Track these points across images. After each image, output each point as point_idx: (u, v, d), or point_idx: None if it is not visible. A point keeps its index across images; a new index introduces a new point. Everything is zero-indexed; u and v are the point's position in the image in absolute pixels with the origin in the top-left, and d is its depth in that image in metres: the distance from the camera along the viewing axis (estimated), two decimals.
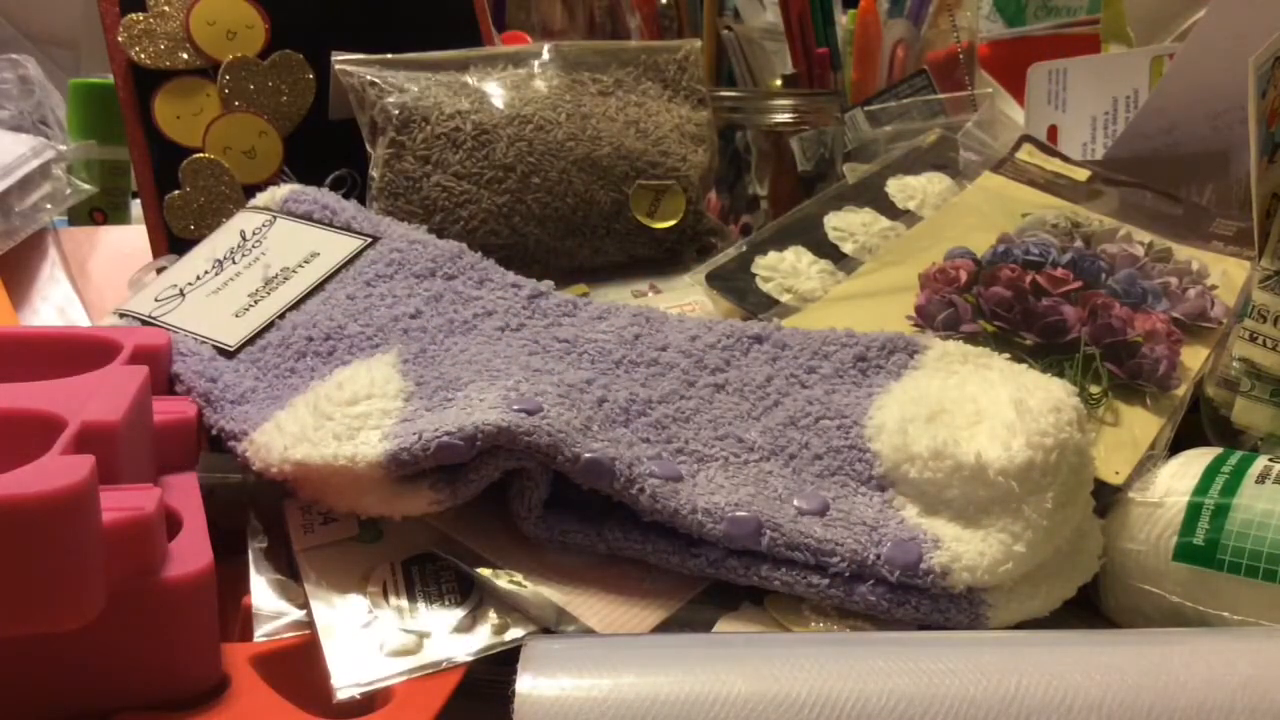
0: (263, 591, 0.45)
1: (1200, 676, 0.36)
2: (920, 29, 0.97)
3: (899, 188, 0.70)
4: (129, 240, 0.80)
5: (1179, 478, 0.47)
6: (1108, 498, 0.49)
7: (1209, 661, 0.36)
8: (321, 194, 0.62)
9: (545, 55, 0.71)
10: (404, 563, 0.46)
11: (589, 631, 0.42)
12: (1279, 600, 0.43)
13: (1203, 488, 0.46)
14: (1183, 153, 0.75)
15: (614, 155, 0.69)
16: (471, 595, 0.44)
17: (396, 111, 0.66)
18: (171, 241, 0.69)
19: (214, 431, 0.50)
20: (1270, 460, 0.47)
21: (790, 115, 0.82)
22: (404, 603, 0.44)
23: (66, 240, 0.78)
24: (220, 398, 0.51)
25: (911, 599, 0.43)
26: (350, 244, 0.58)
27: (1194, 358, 0.57)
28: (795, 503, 0.45)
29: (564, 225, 0.68)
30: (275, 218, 0.61)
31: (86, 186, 0.81)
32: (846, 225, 0.66)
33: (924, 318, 0.57)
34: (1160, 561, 0.46)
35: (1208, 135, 0.74)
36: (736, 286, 0.61)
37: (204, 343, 0.54)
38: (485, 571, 0.44)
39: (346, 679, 0.40)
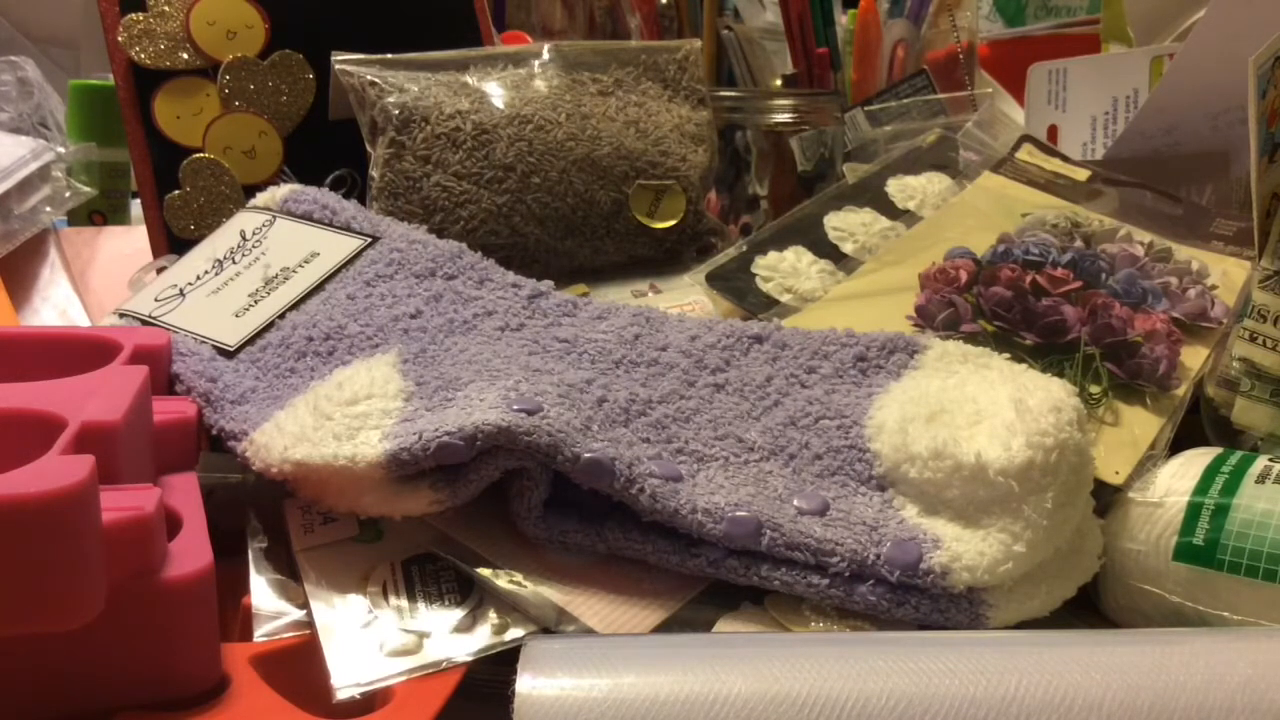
0: (263, 591, 0.45)
1: (1200, 676, 0.36)
2: (920, 29, 0.97)
3: (899, 188, 0.70)
4: (129, 240, 0.80)
5: (1179, 478, 0.47)
6: (1108, 498, 0.49)
7: (1209, 661, 0.36)
8: (321, 194, 0.62)
9: (545, 55, 0.71)
10: (404, 563, 0.46)
11: (589, 631, 0.42)
12: (1279, 600, 0.43)
13: (1203, 488, 0.46)
14: (1183, 153, 0.75)
15: (614, 155, 0.69)
16: (471, 595, 0.44)
17: (396, 111, 0.66)
18: (171, 241, 0.69)
19: (214, 431, 0.50)
20: (1270, 460, 0.47)
21: (790, 115, 0.82)
22: (404, 603, 0.44)
23: (67, 241, 0.78)
24: (220, 398, 0.51)
25: (911, 599, 0.43)
26: (350, 244, 0.58)
27: (1194, 358, 0.57)
28: (795, 503, 0.45)
29: (564, 225, 0.68)
30: (275, 218, 0.61)
31: (86, 189, 0.80)
32: (846, 225, 0.66)
33: (924, 318, 0.57)
34: (1160, 561, 0.46)
35: (1208, 135, 0.74)
36: (736, 286, 0.61)
37: (204, 343, 0.54)
38: (485, 571, 0.44)
39: (346, 679, 0.40)
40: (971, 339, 0.55)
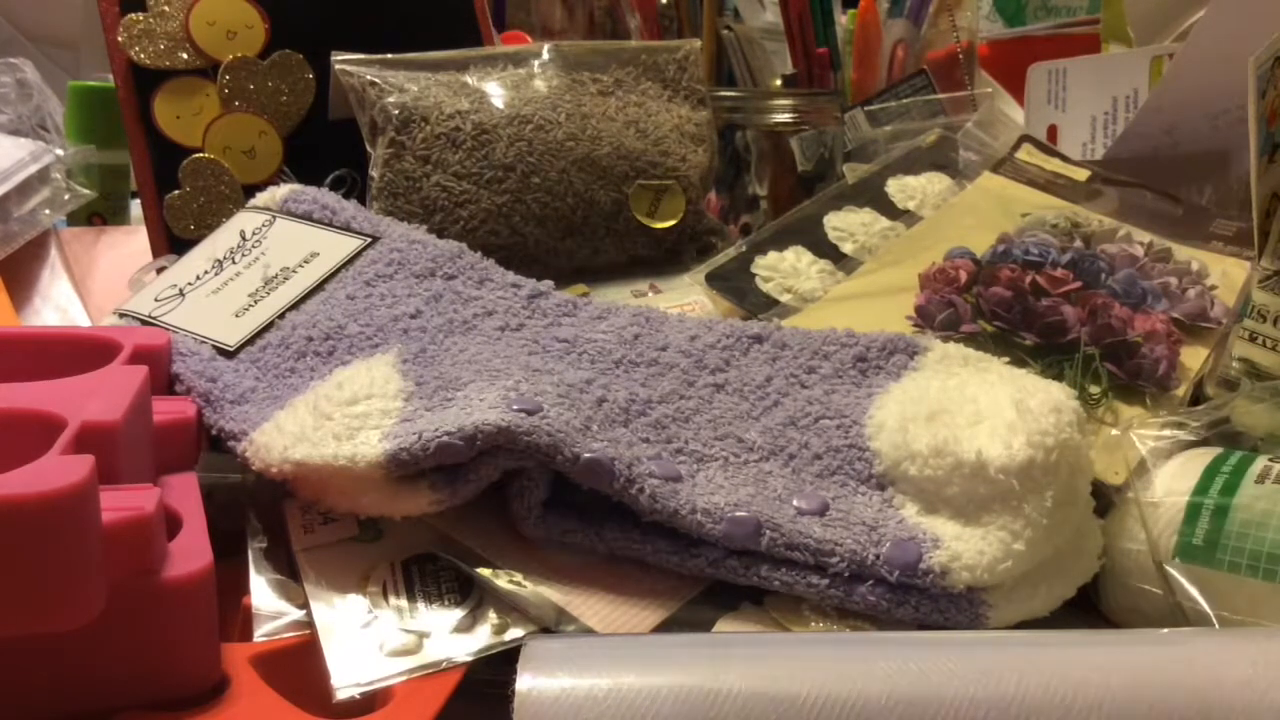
0: (263, 591, 0.45)
1: (1200, 676, 0.36)
2: (920, 29, 0.97)
3: (899, 188, 0.70)
4: (129, 240, 0.80)
5: (1179, 478, 0.47)
6: (1108, 498, 0.49)
7: (1209, 661, 0.36)
8: (321, 194, 0.62)
9: (545, 55, 0.71)
10: (404, 563, 0.46)
11: (589, 631, 0.42)
12: (1279, 600, 0.43)
13: (1203, 488, 0.46)
14: (1183, 153, 0.75)
15: (614, 155, 0.69)
16: (471, 595, 0.44)
17: (396, 111, 0.66)
18: (171, 241, 0.69)
19: (214, 431, 0.50)
20: (1270, 460, 0.47)
21: (790, 115, 0.82)
22: (404, 603, 0.44)
23: (67, 240, 0.78)
24: (220, 398, 0.51)
25: (911, 599, 0.43)
26: (350, 244, 0.58)
27: (1194, 358, 0.57)
28: (795, 503, 0.45)
29: (564, 225, 0.68)
30: (275, 218, 0.61)
31: (85, 191, 0.80)
32: (846, 225, 0.66)
33: (924, 318, 0.57)
34: (1160, 561, 0.46)
35: (1208, 135, 0.74)
36: (736, 286, 0.61)
37: (204, 343, 0.54)
38: (485, 571, 0.44)
39: (346, 679, 0.40)
40: (971, 339, 0.55)
